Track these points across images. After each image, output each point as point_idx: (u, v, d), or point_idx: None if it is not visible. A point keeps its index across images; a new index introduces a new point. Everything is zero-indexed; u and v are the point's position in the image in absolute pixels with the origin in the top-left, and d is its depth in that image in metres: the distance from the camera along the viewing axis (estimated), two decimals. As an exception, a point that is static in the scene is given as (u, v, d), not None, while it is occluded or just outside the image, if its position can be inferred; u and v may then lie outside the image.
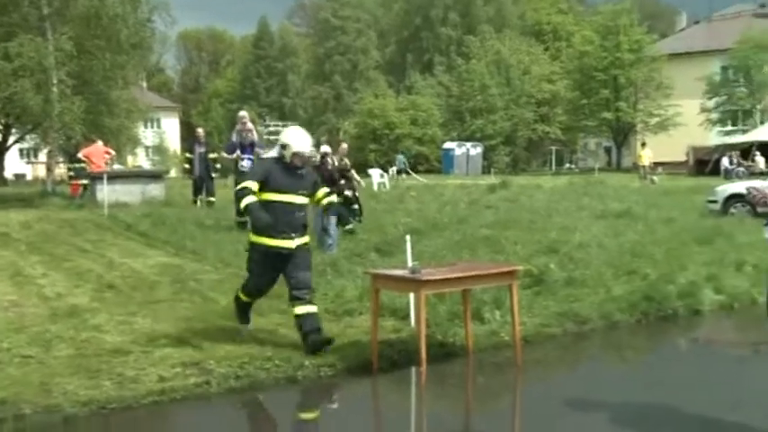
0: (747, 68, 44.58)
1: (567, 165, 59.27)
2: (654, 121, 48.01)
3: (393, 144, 52.17)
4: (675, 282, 8.98)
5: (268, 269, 6.75)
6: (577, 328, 7.81)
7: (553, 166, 56.43)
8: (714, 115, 46.35)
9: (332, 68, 71.88)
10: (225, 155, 14.15)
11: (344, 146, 14.47)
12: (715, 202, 17.09)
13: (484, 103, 55.65)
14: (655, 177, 32.73)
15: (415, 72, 67.06)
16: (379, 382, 6.35)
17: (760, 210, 13.25)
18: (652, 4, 69.32)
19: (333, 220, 11.81)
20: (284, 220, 6.58)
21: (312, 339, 6.47)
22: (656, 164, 36.74)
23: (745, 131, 40.49)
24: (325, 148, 12.91)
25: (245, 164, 13.22)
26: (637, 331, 8.15)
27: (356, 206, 13.99)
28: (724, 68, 47.02)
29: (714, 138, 43.23)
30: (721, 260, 10.23)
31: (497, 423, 5.64)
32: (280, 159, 6.74)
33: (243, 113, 14.40)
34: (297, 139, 6.74)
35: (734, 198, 16.38)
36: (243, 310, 7.08)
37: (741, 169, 33.19)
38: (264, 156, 7.96)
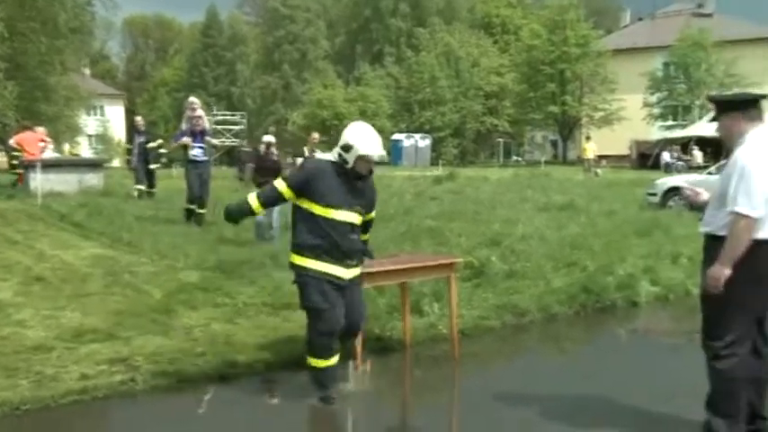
0: (687, 66, 45.72)
1: (515, 157, 59.71)
2: (598, 115, 48.88)
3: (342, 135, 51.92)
4: (614, 274, 8.99)
5: (327, 293, 5.25)
6: (516, 321, 7.75)
7: (501, 159, 56.81)
8: (656, 110, 47.30)
9: (281, 58, 71.33)
10: (173, 143, 13.69)
11: (315, 135, 13.91)
12: (654, 194, 17.34)
13: (433, 95, 55.78)
14: (598, 170, 33.20)
15: (365, 63, 66.94)
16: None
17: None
18: (598, 1, 70.09)
19: (276, 209, 11.60)
20: (335, 243, 5.21)
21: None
22: (600, 157, 37.31)
23: (684, 126, 41.28)
24: (269, 138, 12.61)
25: (197, 152, 12.88)
26: (575, 323, 8.14)
27: None
28: (666, 65, 48.03)
29: (656, 132, 44.08)
30: (658, 252, 10.30)
31: (434, 417, 5.53)
32: (337, 164, 5.27)
33: (193, 99, 13.87)
34: (365, 140, 5.24)
35: (672, 191, 16.62)
36: (325, 387, 5.39)
37: (680, 163, 33.84)
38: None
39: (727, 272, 4.29)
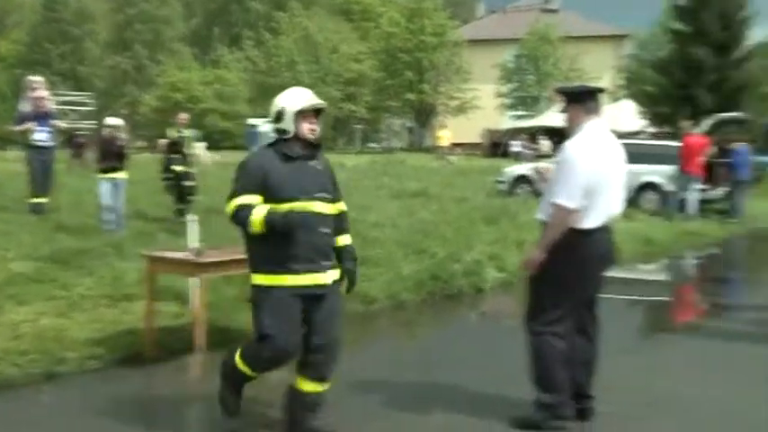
0: (536, 58, 47.73)
1: (372, 144, 60.10)
2: (454, 103, 49.87)
3: (199, 119, 50.54)
4: (461, 260, 9.14)
5: (286, 321, 4.26)
6: (364, 309, 7.73)
7: (358, 145, 57.03)
8: (508, 100, 49.04)
9: (133, 37, 68.30)
10: (14, 127, 12.54)
11: (183, 116, 13.09)
12: (503, 182, 17.89)
13: (292, 79, 55.06)
14: (452, 158, 33.89)
15: (223, 46, 65.33)
16: (153, 372, 5.88)
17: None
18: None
19: (121, 194, 11.07)
20: (304, 244, 4.26)
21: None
22: (455, 145, 38.07)
23: (533, 117, 42.91)
24: (115, 121, 11.86)
25: (42, 137, 11.88)
26: (422, 310, 8.21)
27: (189, 183, 12.71)
28: (517, 57, 49.64)
29: (507, 122, 45.56)
30: (505, 239, 10.57)
31: (274, 407, 5.37)
32: (278, 147, 4.38)
33: (35, 78, 12.80)
34: (294, 95, 4.44)
35: (520, 179, 17.20)
36: (236, 390, 4.58)
37: (529, 152, 35.12)
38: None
39: (542, 256, 4.51)
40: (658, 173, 15.96)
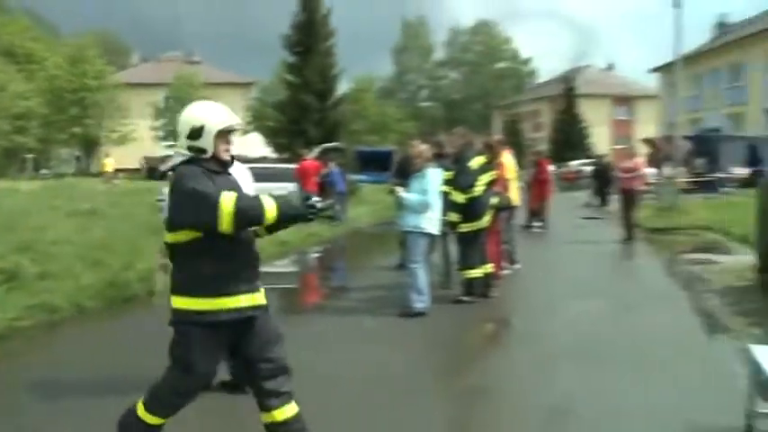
0: (182, 99, 47.16)
1: (44, 170, 53.39)
2: (115, 135, 46.78)
3: None
4: (134, 268, 8.55)
5: (216, 348, 3.22)
6: (49, 318, 6.88)
7: (30, 172, 50.29)
8: (161, 133, 47.81)
9: None
10: None
11: None
12: (163, 200, 17.02)
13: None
14: (116, 181, 31.80)
15: None
16: None
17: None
18: (112, 41, 66.31)
19: None
20: (243, 261, 3.22)
21: None
22: (118, 170, 35.73)
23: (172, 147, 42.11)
24: None
25: None
26: (103, 316, 7.50)
27: None
28: (166, 98, 48.46)
29: (162, 150, 44.16)
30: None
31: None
32: (195, 162, 3.19)
33: None
34: (215, 112, 3.23)
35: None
36: None
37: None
38: (167, 166, 3.34)
39: None
40: (282, 189, 16.53)
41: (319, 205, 3.12)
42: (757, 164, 29.56)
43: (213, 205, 2.96)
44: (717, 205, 18.66)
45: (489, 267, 8.15)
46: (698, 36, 55.74)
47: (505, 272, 9.49)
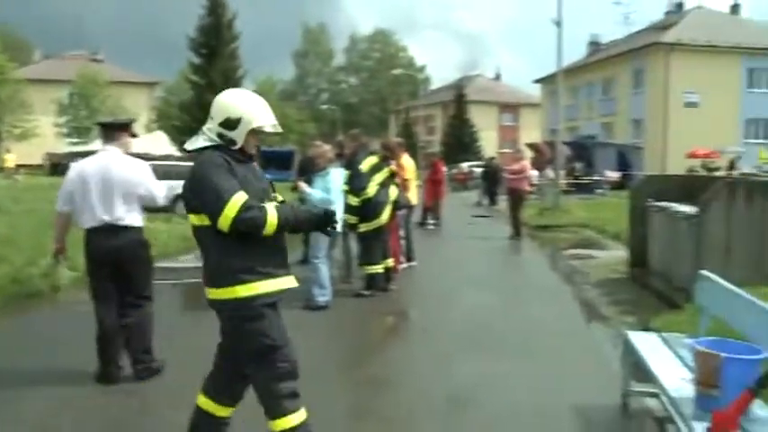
0: (87, 97, 44.56)
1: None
2: (17, 131, 42.92)
3: None
4: (38, 264, 7.87)
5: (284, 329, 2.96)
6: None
7: None
8: (65, 129, 44.51)
9: None
10: None
11: None
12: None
13: None
14: (18, 177, 29.55)
15: None
16: None
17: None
18: (13, 37, 60.90)
19: None
20: (278, 246, 2.98)
21: None
22: (20, 166, 33.13)
23: (86, 143, 39.33)
24: None
25: None
26: (5, 311, 6.84)
27: None
28: (71, 95, 45.16)
29: (66, 147, 41.28)
30: (74, 242, 9.38)
31: None
32: (225, 149, 2.89)
33: None
34: (257, 107, 2.93)
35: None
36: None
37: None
38: (192, 146, 2.95)
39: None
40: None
41: (335, 217, 3.02)
42: (626, 168, 31.60)
43: (220, 204, 2.74)
44: (593, 205, 19.74)
45: (390, 262, 8.15)
46: (574, 51, 58.85)
47: (402, 266, 9.51)
